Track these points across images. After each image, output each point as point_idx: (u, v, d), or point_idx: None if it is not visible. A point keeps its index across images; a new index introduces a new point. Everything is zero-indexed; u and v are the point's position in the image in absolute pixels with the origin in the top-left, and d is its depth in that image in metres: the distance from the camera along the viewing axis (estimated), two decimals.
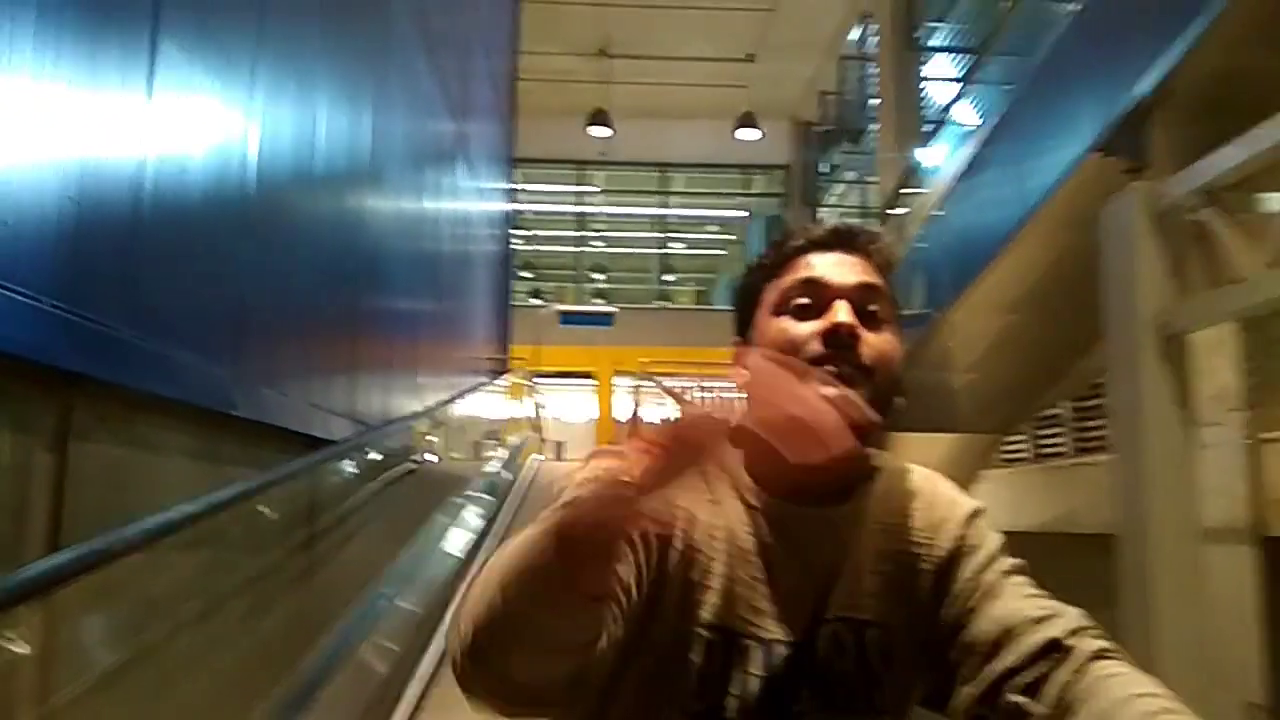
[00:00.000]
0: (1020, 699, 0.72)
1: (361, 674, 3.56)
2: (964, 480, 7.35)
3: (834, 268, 0.84)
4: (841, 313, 0.80)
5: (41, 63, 1.92)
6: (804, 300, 0.83)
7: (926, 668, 0.83)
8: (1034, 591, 0.81)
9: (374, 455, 4.34)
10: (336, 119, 4.16)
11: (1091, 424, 6.85)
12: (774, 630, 0.81)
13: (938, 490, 0.90)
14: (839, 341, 0.79)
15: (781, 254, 0.87)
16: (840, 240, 0.86)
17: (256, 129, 3.15)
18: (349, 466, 3.99)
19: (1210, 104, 2.95)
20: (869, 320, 0.82)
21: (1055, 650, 0.73)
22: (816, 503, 0.84)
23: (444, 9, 7.01)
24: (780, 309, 0.84)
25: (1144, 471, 3.21)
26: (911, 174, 7.78)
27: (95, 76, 2.16)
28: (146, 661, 2.27)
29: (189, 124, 2.69)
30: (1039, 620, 0.76)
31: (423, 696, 3.67)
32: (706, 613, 0.80)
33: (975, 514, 0.88)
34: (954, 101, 7.34)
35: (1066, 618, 0.76)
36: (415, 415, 5.48)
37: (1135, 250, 2.84)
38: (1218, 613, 4.51)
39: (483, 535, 5.65)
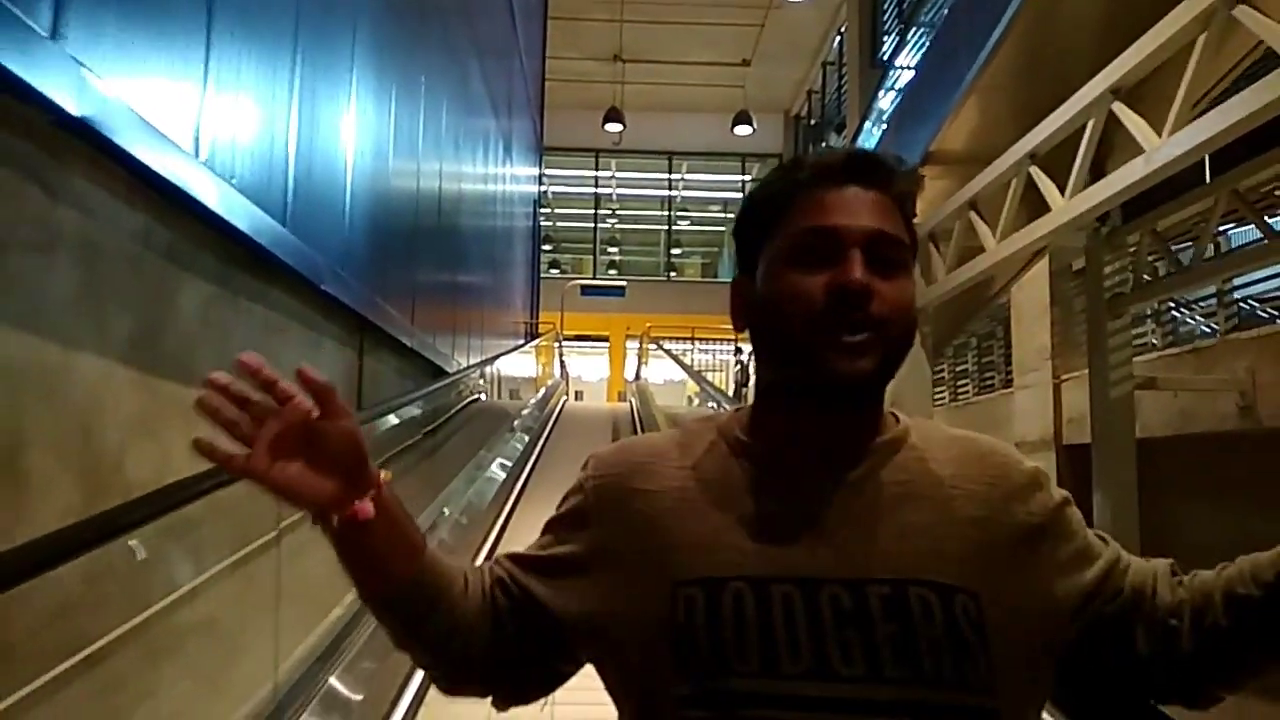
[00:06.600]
0: (1173, 622, 0.75)
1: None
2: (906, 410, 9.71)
3: (847, 209, 0.74)
4: (854, 268, 0.72)
5: (362, 114, 3.98)
6: (813, 248, 0.74)
7: (1043, 648, 0.74)
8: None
9: (466, 386, 6.45)
10: (450, 124, 5.97)
11: (990, 373, 8.97)
12: (814, 569, 0.71)
13: (1010, 458, 0.82)
14: (849, 299, 0.71)
15: (790, 184, 0.77)
16: (855, 172, 0.76)
17: (420, 142, 5.09)
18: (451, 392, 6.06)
19: (952, 171, 5.15)
20: (883, 267, 0.73)
21: (1176, 575, 0.78)
22: (832, 461, 0.77)
23: (491, 23, 8.61)
24: (788, 257, 0.75)
25: (899, 398, 5.32)
26: None
27: (378, 123, 4.16)
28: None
29: (399, 153, 4.61)
30: (1156, 569, 0.79)
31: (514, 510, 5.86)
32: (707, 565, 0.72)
33: (1042, 480, 0.81)
34: (862, 124, 9.55)
35: (1162, 561, 0.81)
36: (487, 360, 7.61)
37: None
38: None
39: (534, 437, 7.92)
